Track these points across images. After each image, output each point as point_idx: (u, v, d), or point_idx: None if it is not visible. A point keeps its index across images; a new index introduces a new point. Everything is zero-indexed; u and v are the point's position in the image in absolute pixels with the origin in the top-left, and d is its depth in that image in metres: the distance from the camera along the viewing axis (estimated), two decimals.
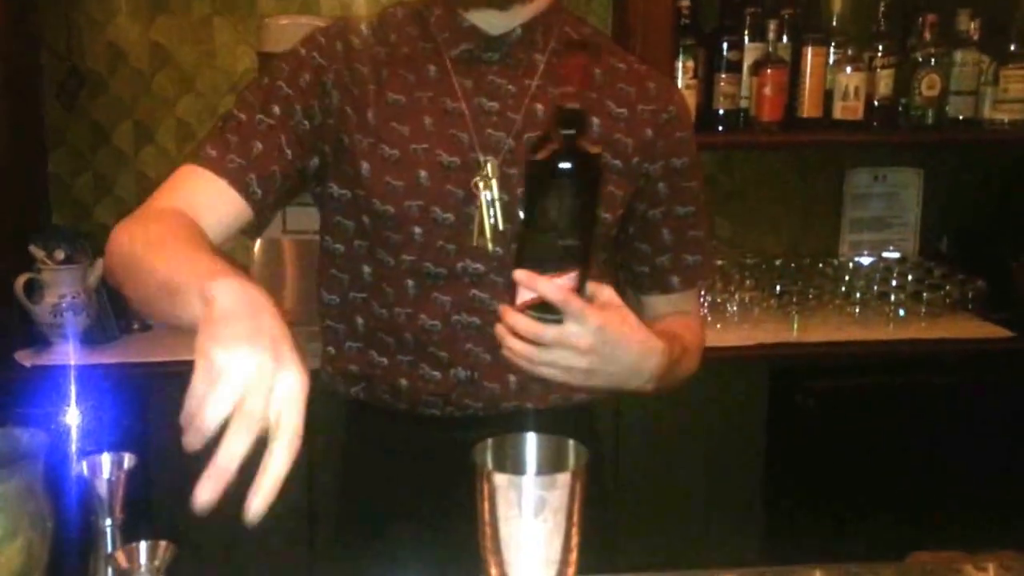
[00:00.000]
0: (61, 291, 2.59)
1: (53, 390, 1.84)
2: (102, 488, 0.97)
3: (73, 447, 1.26)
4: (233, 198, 1.30)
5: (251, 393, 0.90)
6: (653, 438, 2.60)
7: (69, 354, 2.53)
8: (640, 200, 1.46)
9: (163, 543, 0.94)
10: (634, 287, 1.56)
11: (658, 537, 2.58)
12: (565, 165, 1.14)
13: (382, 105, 1.37)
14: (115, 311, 2.73)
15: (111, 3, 2.87)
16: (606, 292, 1.23)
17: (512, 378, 1.39)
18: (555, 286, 1.15)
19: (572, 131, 1.15)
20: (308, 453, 2.43)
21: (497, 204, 1.35)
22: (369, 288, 1.40)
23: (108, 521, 0.98)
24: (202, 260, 1.07)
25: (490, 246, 1.36)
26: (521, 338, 1.18)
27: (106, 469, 0.98)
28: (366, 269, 1.41)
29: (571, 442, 1.02)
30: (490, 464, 1.00)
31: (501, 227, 1.35)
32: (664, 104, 1.44)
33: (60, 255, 2.62)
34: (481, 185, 1.34)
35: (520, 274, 1.16)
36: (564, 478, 0.96)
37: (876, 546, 2.61)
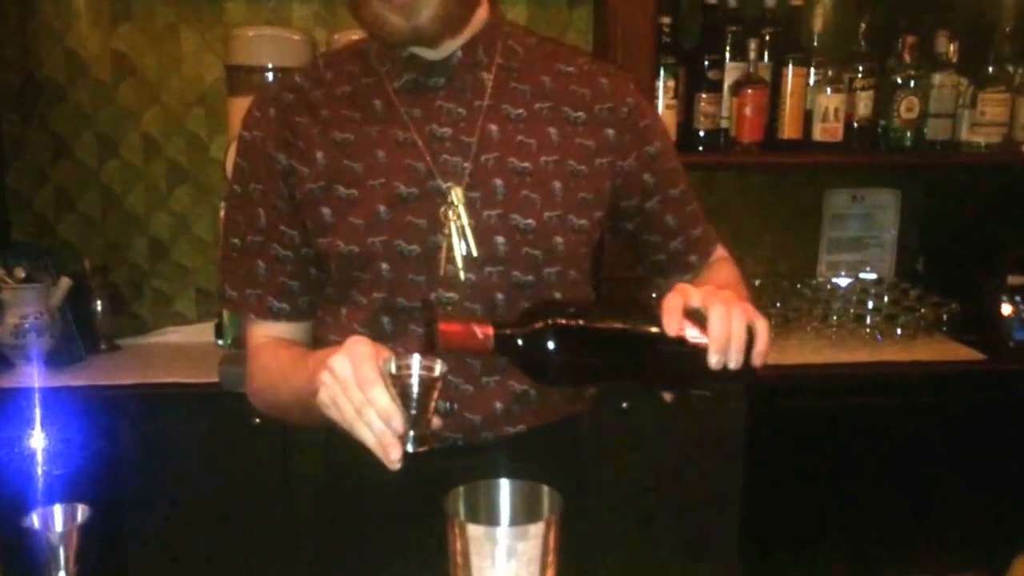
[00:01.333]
0: (23, 311, 2.51)
1: (16, 413, 1.81)
2: (54, 541, 0.95)
3: (39, 471, 1.24)
4: (272, 325, 1.46)
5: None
6: (630, 460, 2.59)
7: (33, 376, 2.46)
8: (629, 196, 1.47)
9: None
10: (657, 273, 1.60)
11: (636, 562, 2.57)
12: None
13: (330, 146, 1.37)
14: (80, 331, 2.67)
15: (69, 10, 2.78)
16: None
17: (499, 405, 1.38)
18: (674, 297, 1.19)
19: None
20: (284, 485, 2.42)
21: (467, 231, 1.34)
22: (348, 329, 1.39)
23: (60, 575, 0.96)
24: (298, 373, 1.30)
25: (462, 275, 1.35)
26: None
27: (58, 522, 0.97)
28: (343, 311, 1.41)
29: (546, 488, 1.02)
30: (462, 514, 0.99)
31: (475, 253, 1.35)
32: (621, 99, 1.44)
33: (21, 273, 2.54)
34: (450, 214, 1.34)
35: (669, 324, 1.18)
36: (537, 528, 0.96)
37: (852, 567, 2.63)
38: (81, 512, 0.98)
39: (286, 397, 1.36)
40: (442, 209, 1.34)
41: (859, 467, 2.66)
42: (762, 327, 1.21)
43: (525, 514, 1.02)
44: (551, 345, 1.15)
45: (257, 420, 2.41)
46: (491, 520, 1.02)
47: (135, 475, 2.46)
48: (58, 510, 0.98)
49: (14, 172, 2.84)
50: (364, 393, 1.10)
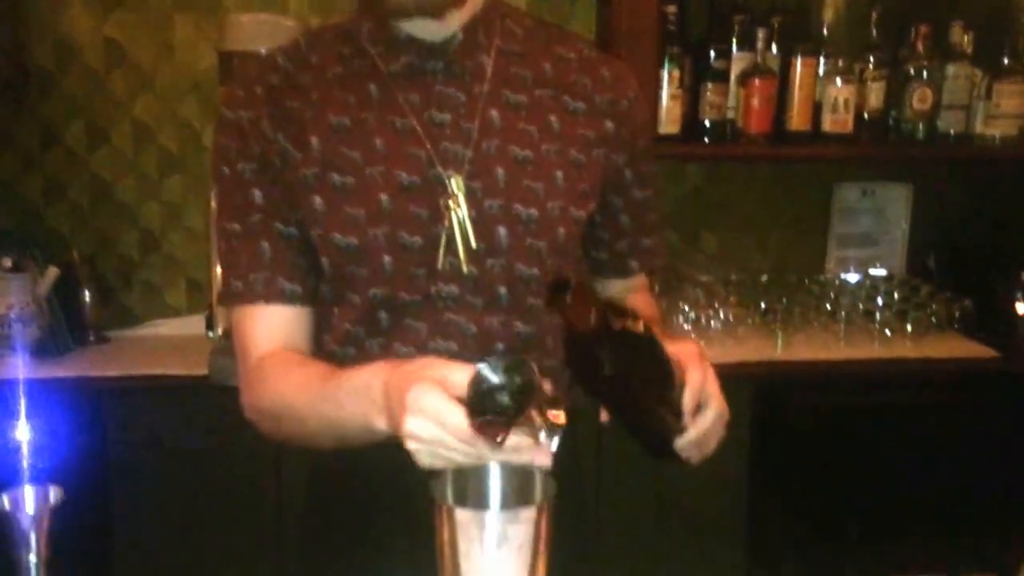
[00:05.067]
0: (9, 301, 2.48)
1: (1, 405, 1.77)
2: (25, 523, 0.90)
3: (24, 464, 1.20)
4: (283, 312, 1.33)
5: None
6: (634, 456, 2.53)
7: (18, 367, 2.41)
8: (608, 191, 1.41)
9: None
10: (592, 270, 1.52)
11: (639, 557, 2.55)
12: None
13: (325, 130, 1.30)
14: (69, 322, 2.63)
15: None
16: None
17: None
18: (693, 374, 1.19)
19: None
20: (274, 477, 2.39)
21: (468, 223, 1.28)
22: (340, 330, 1.34)
23: (32, 558, 0.90)
24: (337, 396, 1.18)
25: (464, 268, 1.29)
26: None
27: (29, 503, 0.91)
28: (335, 311, 1.34)
29: (538, 473, 0.95)
30: (450, 498, 0.93)
31: (475, 246, 1.29)
32: (623, 91, 1.40)
33: (7, 262, 2.51)
34: (451, 204, 1.28)
35: (688, 401, 1.19)
36: (528, 513, 0.90)
37: (860, 565, 2.58)
38: (54, 494, 0.93)
39: (317, 429, 1.25)
40: (443, 201, 1.28)
41: (868, 465, 2.61)
42: (720, 436, 1.26)
43: (516, 500, 0.95)
44: (621, 355, 1.12)
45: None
46: (481, 506, 0.95)
47: (123, 468, 2.44)
48: (29, 491, 0.93)
49: (2, 161, 2.79)
50: (463, 446, 0.98)
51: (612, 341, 1.12)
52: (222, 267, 1.35)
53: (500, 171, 1.30)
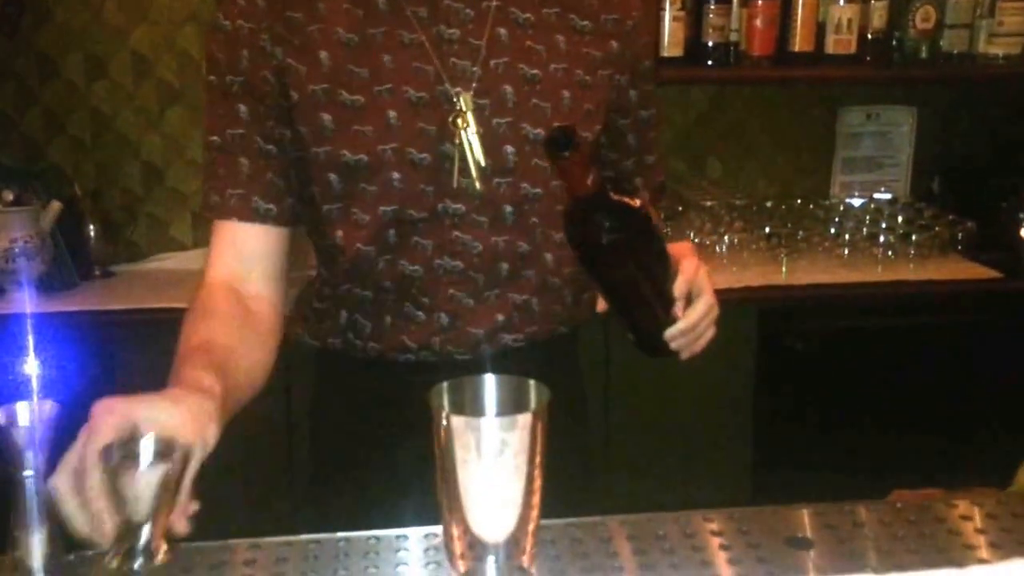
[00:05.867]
0: (12, 235, 2.46)
1: (8, 339, 1.78)
2: (19, 437, 0.90)
3: (34, 398, 1.20)
4: (254, 230, 1.32)
5: None
6: (641, 380, 2.55)
7: (25, 302, 2.41)
8: (613, 111, 1.42)
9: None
10: None
11: (646, 478, 2.56)
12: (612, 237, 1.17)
13: (334, 46, 1.28)
14: (74, 257, 2.62)
15: None
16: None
17: (500, 317, 1.35)
18: (687, 265, 1.29)
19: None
20: (286, 405, 2.40)
21: (476, 140, 1.28)
22: (350, 250, 1.33)
23: (27, 472, 0.91)
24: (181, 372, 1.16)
25: (477, 185, 1.29)
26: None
27: (23, 417, 0.91)
28: (339, 233, 1.33)
29: (532, 382, 0.97)
30: (446, 406, 0.94)
31: (483, 163, 1.28)
32: (627, 11, 1.40)
33: (9, 196, 2.49)
34: (459, 122, 1.27)
35: (679, 287, 1.27)
36: (524, 419, 0.90)
37: (863, 485, 2.60)
38: (49, 408, 0.93)
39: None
40: (451, 117, 1.27)
41: (872, 386, 2.63)
42: (710, 334, 1.35)
43: (512, 408, 0.96)
44: (617, 223, 1.16)
45: None
46: (477, 414, 0.96)
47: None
48: (23, 406, 0.93)
49: (0, 94, 2.77)
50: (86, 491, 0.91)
51: (610, 210, 1.14)
52: (203, 178, 1.36)
53: (508, 89, 1.30)
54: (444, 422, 0.91)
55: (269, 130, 1.31)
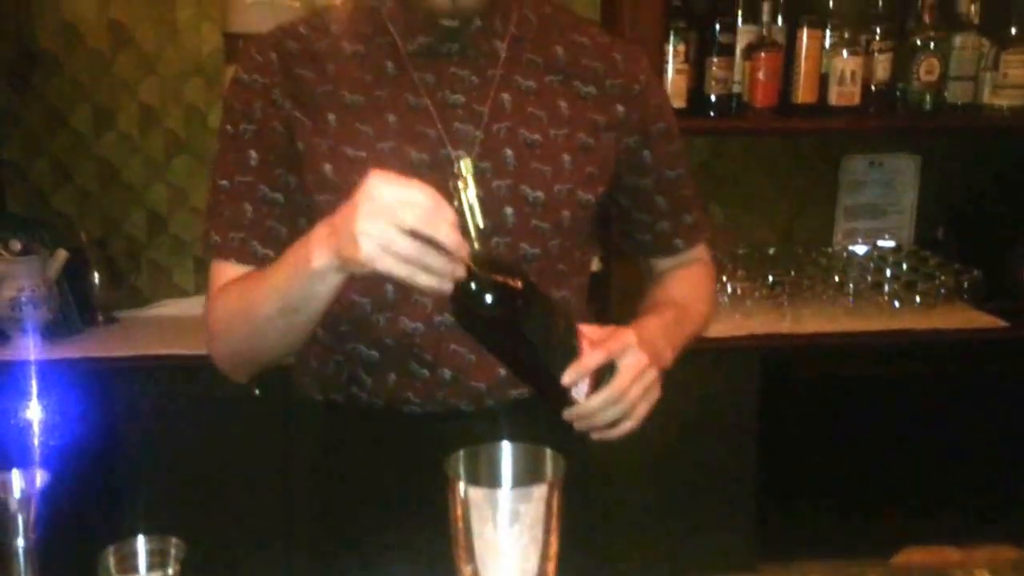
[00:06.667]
0: (19, 283, 2.48)
1: (13, 386, 1.78)
2: (12, 507, 0.90)
3: (35, 443, 1.21)
4: (247, 271, 1.34)
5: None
6: (644, 428, 2.53)
7: (29, 348, 2.43)
8: (628, 173, 1.45)
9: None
10: (641, 252, 1.59)
11: (649, 528, 2.55)
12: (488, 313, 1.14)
13: (340, 108, 1.33)
14: (78, 304, 2.64)
15: None
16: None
17: (502, 372, 1.35)
18: (595, 353, 1.22)
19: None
20: (283, 457, 2.39)
21: (475, 202, 1.29)
22: (346, 299, 1.34)
23: (20, 542, 0.91)
24: (279, 270, 1.22)
25: (476, 245, 1.30)
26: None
27: (16, 487, 0.92)
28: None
29: (548, 451, 0.96)
30: (463, 476, 0.93)
31: (482, 225, 1.30)
32: (633, 75, 1.43)
33: (17, 245, 2.51)
34: (460, 186, 1.29)
35: (568, 376, 1.20)
36: (540, 490, 0.91)
37: (869, 538, 2.58)
38: (40, 477, 0.93)
39: (264, 308, 1.25)
40: (452, 182, 1.28)
41: (876, 437, 2.61)
42: (633, 421, 1.31)
43: (527, 477, 0.96)
44: (492, 302, 1.13)
45: (257, 392, 2.39)
46: (493, 484, 0.96)
47: (132, 448, 2.45)
48: (16, 475, 0.93)
49: (9, 144, 2.81)
50: (433, 229, 1.06)
51: (485, 288, 1.12)
52: (206, 218, 1.39)
53: (509, 153, 1.33)
54: (461, 493, 0.91)
55: (276, 178, 1.35)
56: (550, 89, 1.37)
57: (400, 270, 1.07)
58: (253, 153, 1.35)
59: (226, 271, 1.35)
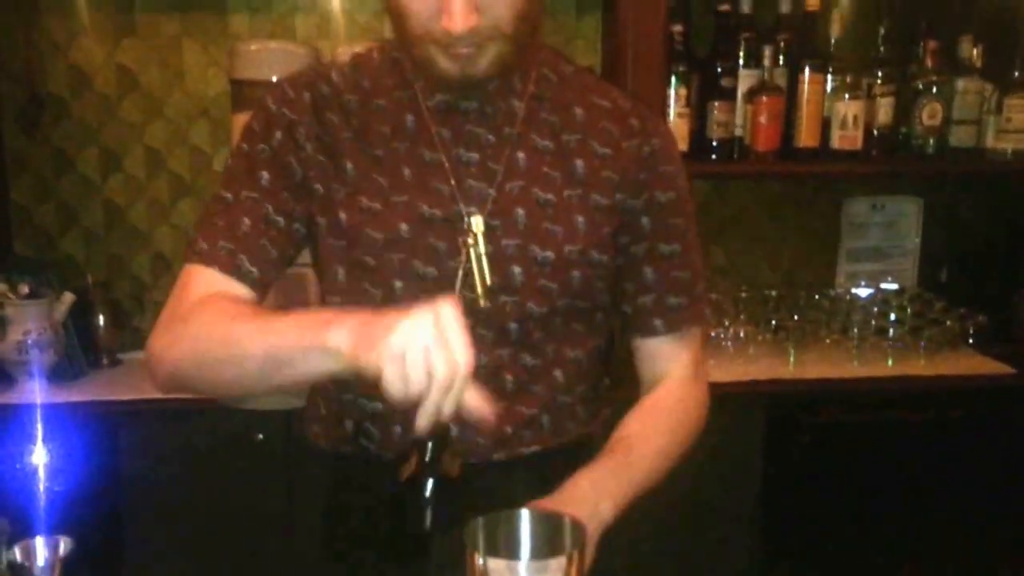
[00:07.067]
0: (26, 327, 2.47)
1: (18, 429, 1.78)
2: (35, 573, 0.91)
3: (40, 487, 1.21)
4: (230, 285, 1.30)
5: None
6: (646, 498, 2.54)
7: (35, 392, 2.42)
8: (623, 234, 1.41)
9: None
10: (624, 326, 1.49)
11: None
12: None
13: (360, 157, 1.33)
14: (83, 346, 2.64)
15: (74, 24, 2.76)
16: None
17: (508, 429, 1.36)
18: None
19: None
20: (287, 502, 2.39)
21: (484, 260, 1.31)
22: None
23: None
24: (286, 324, 1.16)
25: (482, 302, 1.31)
26: None
27: (40, 555, 0.92)
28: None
29: (567, 521, 0.96)
30: (481, 546, 0.93)
31: (489, 282, 1.31)
32: (647, 138, 1.40)
33: (24, 289, 2.50)
34: (470, 242, 1.30)
35: None
36: (559, 562, 0.90)
37: None
38: (64, 545, 0.94)
39: (252, 344, 1.19)
40: (463, 239, 1.31)
41: (881, 484, 2.60)
42: None
43: (546, 546, 0.96)
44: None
45: (260, 436, 2.39)
46: (511, 552, 0.96)
47: (137, 491, 2.44)
48: (40, 543, 0.93)
49: (17, 187, 2.83)
50: (448, 398, 1.02)
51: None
52: (196, 228, 1.35)
53: (520, 212, 1.33)
54: (479, 562, 0.90)
55: (283, 202, 1.34)
56: (567, 149, 1.36)
57: (397, 394, 1.03)
58: (265, 173, 1.34)
59: (205, 277, 1.30)
